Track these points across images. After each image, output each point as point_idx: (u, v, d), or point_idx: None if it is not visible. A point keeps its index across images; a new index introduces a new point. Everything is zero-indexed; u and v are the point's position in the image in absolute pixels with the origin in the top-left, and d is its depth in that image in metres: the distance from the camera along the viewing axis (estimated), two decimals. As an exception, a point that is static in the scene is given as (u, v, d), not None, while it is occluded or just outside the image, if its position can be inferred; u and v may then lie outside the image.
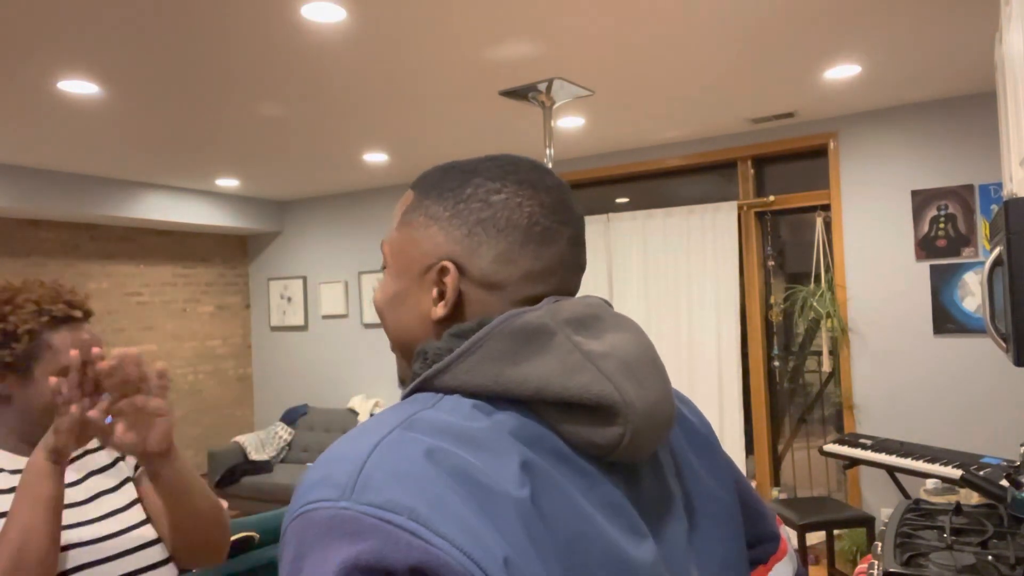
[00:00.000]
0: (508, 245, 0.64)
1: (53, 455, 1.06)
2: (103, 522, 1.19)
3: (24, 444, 1.21)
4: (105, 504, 1.22)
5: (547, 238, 0.66)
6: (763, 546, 0.81)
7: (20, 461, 1.19)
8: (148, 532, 1.23)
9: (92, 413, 1.07)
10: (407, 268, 0.68)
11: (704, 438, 0.76)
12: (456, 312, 0.65)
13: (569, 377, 0.58)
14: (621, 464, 0.62)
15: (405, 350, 0.70)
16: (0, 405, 1.19)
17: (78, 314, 1.21)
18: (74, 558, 1.12)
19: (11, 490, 1.14)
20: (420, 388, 0.62)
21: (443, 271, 0.65)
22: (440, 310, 0.65)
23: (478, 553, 0.47)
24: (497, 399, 0.59)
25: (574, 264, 0.68)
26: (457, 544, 0.47)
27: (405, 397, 0.63)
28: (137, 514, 1.24)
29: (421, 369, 0.62)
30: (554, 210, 0.67)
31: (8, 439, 1.20)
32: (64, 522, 1.15)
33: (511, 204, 0.65)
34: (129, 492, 1.27)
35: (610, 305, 0.71)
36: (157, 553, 1.22)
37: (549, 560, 0.51)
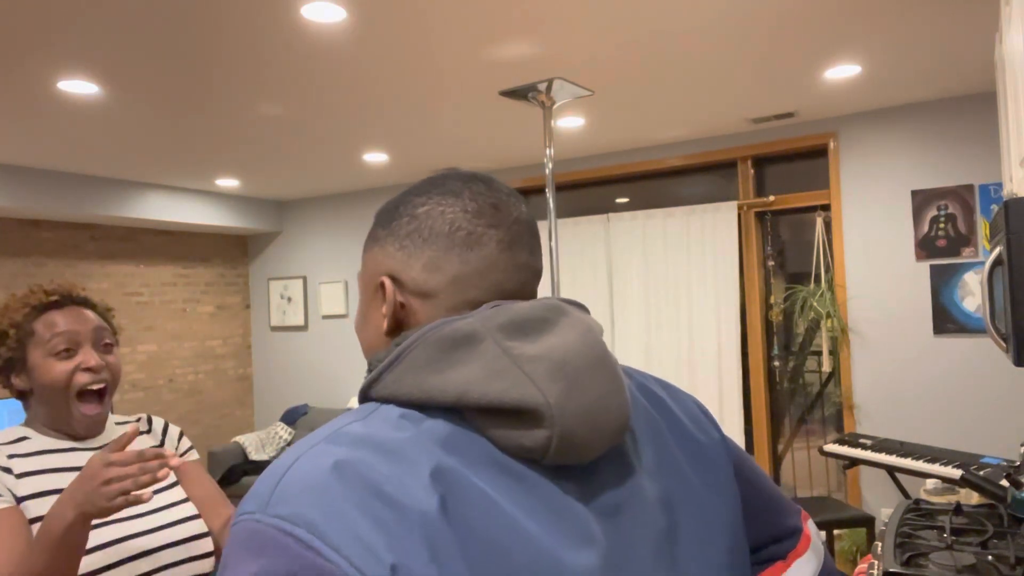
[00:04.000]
0: (433, 253, 0.68)
1: (84, 516, 1.04)
2: (159, 513, 1.27)
3: (49, 428, 1.26)
4: (161, 498, 1.29)
5: (471, 242, 0.68)
6: (783, 543, 0.79)
7: (55, 442, 1.25)
8: (198, 526, 1.30)
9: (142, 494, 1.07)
10: (364, 291, 0.73)
11: (698, 444, 0.75)
12: (400, 324, 0.69)
13: (489, 383, 0.58)
14: (573, 466, 0.62)
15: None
16: (27, 398, 1.27)
17: (54, 298, 1.27)
18: (132, 547, 1.19)
19: (53, 470, 1.20)
20: (364, 397, 0.64)
21: (383, 286, 0.69)
22: (384, 323, 0.69)
23: (367, 564, 0.50)
24: (427, 407, 0.60)
25: (510, 266, 0.69)
26: (347, 555, 0.50)
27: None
28: (189, 508, 1.31)
29: (366, 378, 0.65)
30: (479, 214, 0.69)
31: (39, 425, 1.27)
32: (124, 514, 1.22)
33: (433, 214, 0.69)
34: (180, 489, 1.35)
35: (582, 307, 0.70)
36: (205, 544, 1.29)
37: (456, 569, 0.52)
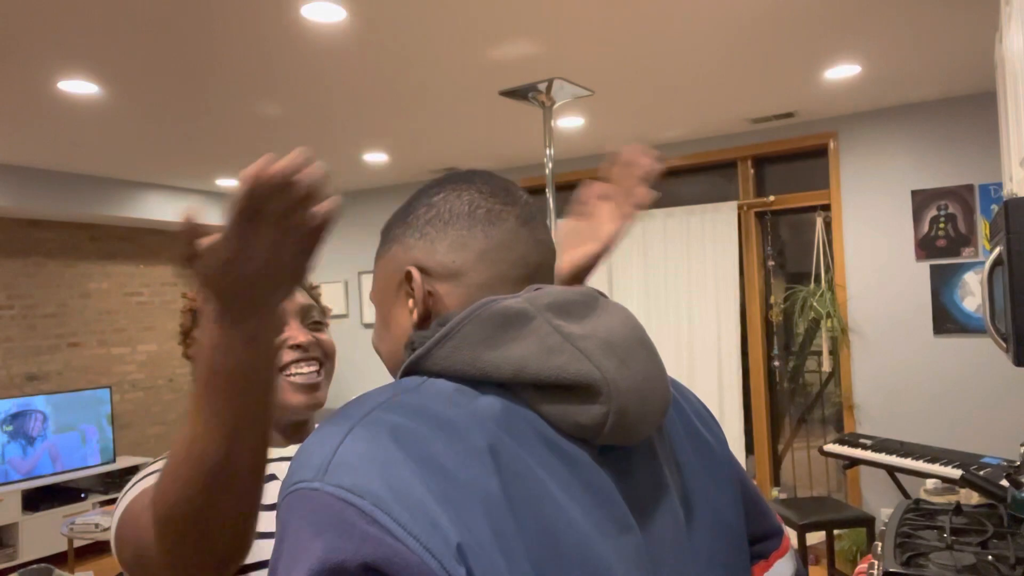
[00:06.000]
0: (457, 232, 0.68)
1: (221, 307, 0.66)
2: None
3: (274, 430, 1.05)
4: None
5: (492, 218, 0.68)
6: (766, 542, 0.81)
7: (274, 451, 1.04)
8: None
9: None
10: (384, 295, 0.72)
11: (705, 441, 0.76)
12: (430, 314, 0.68)
13: (546, 359, 0.58)
14: (614, 451, 0.62)
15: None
16: None
17: None
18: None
19: (270, 477, 0.99)
20: (410, 372, 0.63)
21: (408, 277, 0.68)
22: (414, 315, 0.67)
23: (433, 541, 0.49)
24: (481, 383, 0.59)
25: (532, 240, 0.70)
26: (414, 533, 0.49)
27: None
28: None
29: (408, 356, 0.64)
30: (494, 194, 0.70)
31: None
32: None
33: (450, 198, 0.69)
34: None
35: (605, 296, 0.71)
36: None
37: (514, 551, 0.51)
